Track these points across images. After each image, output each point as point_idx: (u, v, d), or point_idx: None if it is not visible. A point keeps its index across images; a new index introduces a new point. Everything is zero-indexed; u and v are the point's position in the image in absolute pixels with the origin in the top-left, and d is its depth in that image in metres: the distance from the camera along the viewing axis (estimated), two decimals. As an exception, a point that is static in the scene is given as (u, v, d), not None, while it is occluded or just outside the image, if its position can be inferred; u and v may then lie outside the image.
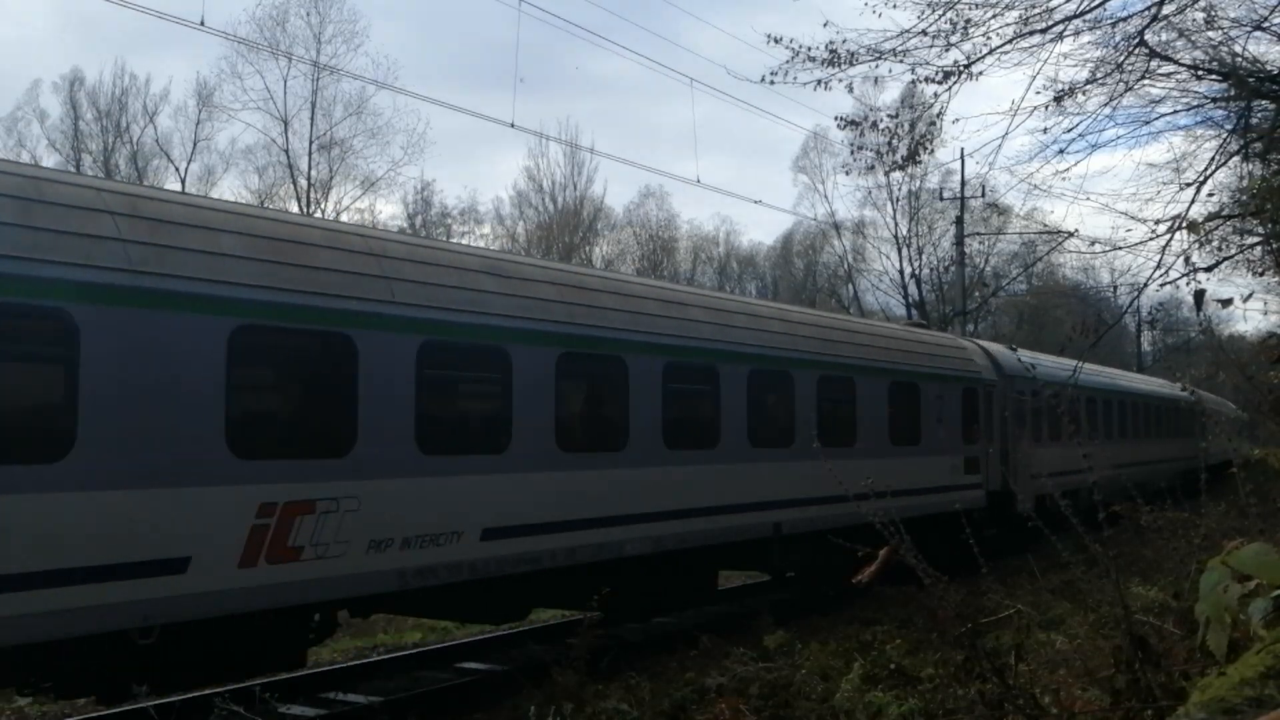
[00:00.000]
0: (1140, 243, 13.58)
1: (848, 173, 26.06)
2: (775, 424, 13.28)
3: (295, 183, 43.30)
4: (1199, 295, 8.15)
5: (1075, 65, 14.71)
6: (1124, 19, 11.73)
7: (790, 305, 21.77)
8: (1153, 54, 12.38)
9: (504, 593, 9.92)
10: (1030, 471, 19.10)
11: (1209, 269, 13.75)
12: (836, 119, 13.39)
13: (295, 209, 39.24)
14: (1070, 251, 25.42)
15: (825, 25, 11.32)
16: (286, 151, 43.40)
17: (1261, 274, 17.74)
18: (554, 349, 10.00)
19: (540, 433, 9.86)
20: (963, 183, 40.46)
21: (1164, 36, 12.58)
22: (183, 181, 44.76)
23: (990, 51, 11.21)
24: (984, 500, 17.67)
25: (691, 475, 11.66)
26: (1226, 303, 8.47)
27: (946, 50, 11.24)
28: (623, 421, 10.99)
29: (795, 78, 11.69)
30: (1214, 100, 14.37)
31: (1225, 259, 15.13)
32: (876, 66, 11.41)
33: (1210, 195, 15.54)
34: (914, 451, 15.94)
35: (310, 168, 43.61)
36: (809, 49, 11.46)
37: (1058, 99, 12.00)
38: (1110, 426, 27.18)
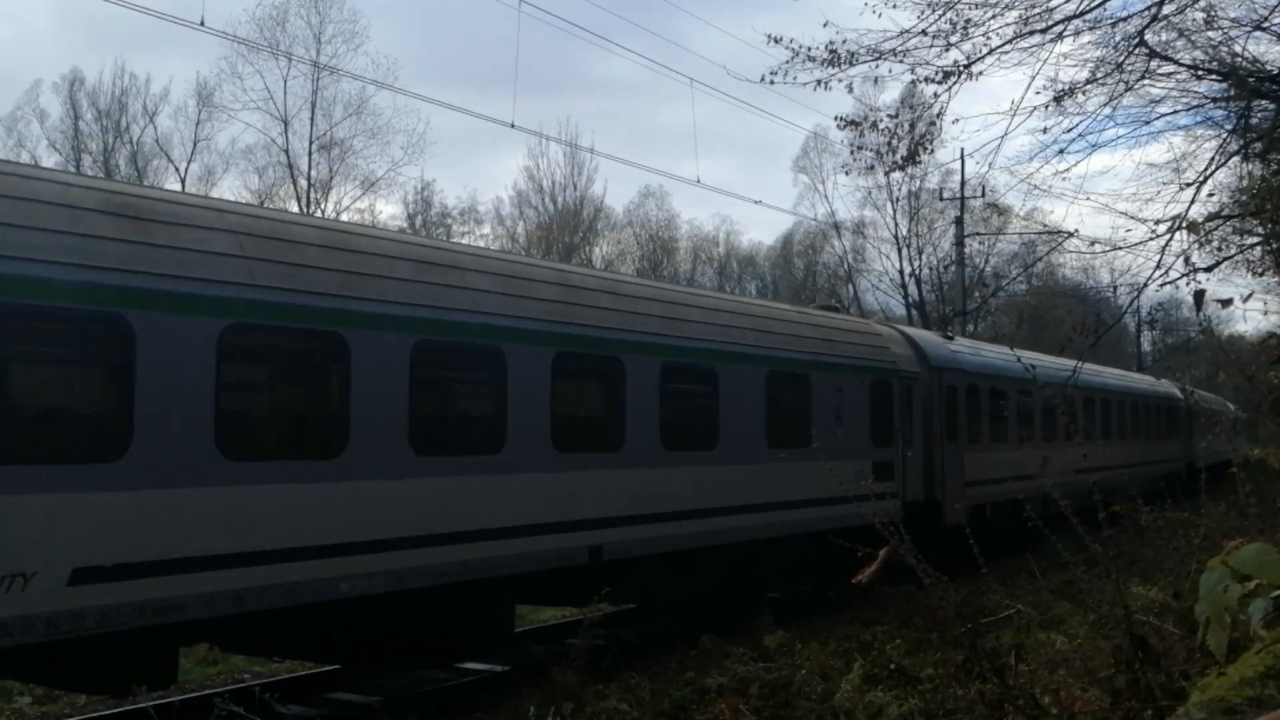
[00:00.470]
0: (1140, 243, 13.58)
1: (848, 173, 26.11)
2: (595, 423, 11.20)
3: (295, 183, 43.29)
4: (1199, 295, 8.15)
5: (1075, 65, 14.70)
6: (1124, 19, 11.74)
7: (626, 274, 17.14)
8: (1153, 54, 12.38)
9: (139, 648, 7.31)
10: (965, 478, 17.23)
11: (1209, 269, 13.76)
12: (836, 119, 13.40)
13: (295, 209, 39.22)
14: (1070, 251, 25.43)
15: (825, 25, 11.34)
16: (286, 152, 43.38)
17: (1261, 274, 17.75)
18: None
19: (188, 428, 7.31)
20: (962, 183, 40.49)
21: (1164, 36, 12.59)
22: (183, 182, 44.73)
23: (990, 51, 11.22)
24: (899, 512, 14.80)
25: (455, 489, 9.11)
26: (1226, 303, 8.47)
27: (946, 50, 11.25)
28: (339, 418, 8.32)
29: (795, 78, 11.70)
30: (1214, 100, 14.38)
31: (1225, 259, 15.14)
32: (876, 67, 11.42)
33: (1210, 195, 15.57)
34: (801, 456, 13.15)
35: (310, 168, 43.60)
36: (809, 49, 11.47)
37: (1058, 99, 12.01)
38: (1073, 425, 25.52)
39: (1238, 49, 13.29)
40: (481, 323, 9.45)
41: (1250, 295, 13.83)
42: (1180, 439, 33.47)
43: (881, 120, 13.00)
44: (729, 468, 12.35)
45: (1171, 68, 13.07)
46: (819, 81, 11.59)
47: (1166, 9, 11.54)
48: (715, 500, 12.07)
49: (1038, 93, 15.56)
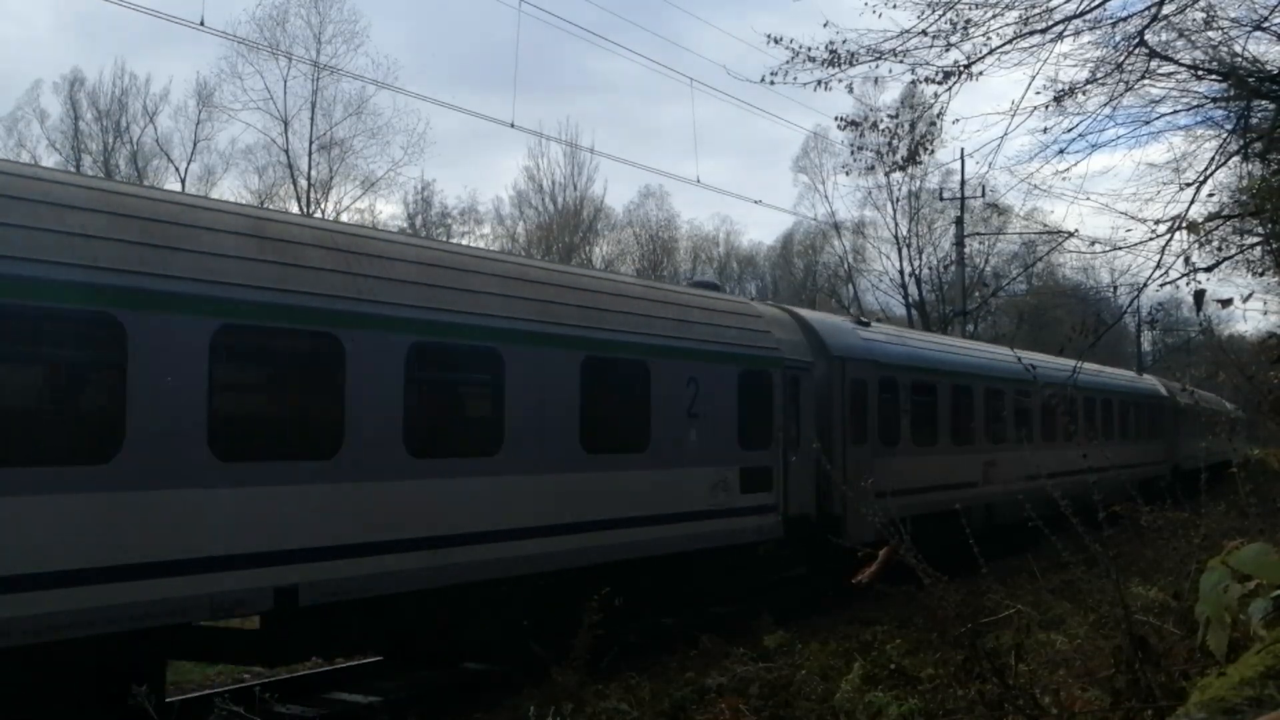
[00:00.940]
0: (1140, 243, 13.56)
1: (848, 173, 26.06)
2: (287, 421, 8.61)
3: (295, 183, 43.33)
4: (1199, 295, 8.15)
5: (1075, 65, 14.69)
6: (1124, 19, 11.74)
7: (355, 226, 12.71)
8: (1153, 54, 12.38)
9: None
10: (876, 488, 14.58)
11: (1209, 269, 13.74)
12: (837, 119, 13.38)
13: (295, 209, 39.23)
14: (1070, 251, 25.40)
15: (825, 26, 11.32)
16: (286, 151, 43.42)
17: (1261, 274, 17.74)
18: None
19: None
20: (962, 183, 40.51)
21: (1164, 36, 12.59)
22: (183, 182, 44.77)
23: (990, 52, 11.21)
24: (780, 529, 13.19)
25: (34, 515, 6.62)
26: (1226, 303, 8.47)
27: (946, 50, 11.24)
28: None
29: (795, 78, 11.68)
30: (1214, 100, 14.38)
31: (1225, 259, 15.12)
32: (876, 67, 11.40)
33: (1210, 195, 15.57)
34: (634, 463, 11.21)
35: (310, 168, 43.64)
36: (809, 49, 11.45)
37: (1058, 99, 12.00)
38: (1027, 426, 21.02)
39: (1238, 49, 13.31)
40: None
41: (1250, 295, 13.84)
42: (1164, 439, 31.41)
43: (882, 120, 12.99)
44: (520, 479, 9.87)
45: (1171, 68, 13.08)
46: (819, 82, 11.59)
47: (1166, 9, 11.54)
48: (499, 520, 9.63)
49: (1038, 93, 15.55)
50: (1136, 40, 11.81)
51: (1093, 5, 11.12)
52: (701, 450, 12.04)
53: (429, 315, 9.20)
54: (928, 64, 11.39)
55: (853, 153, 13.53)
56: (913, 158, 13.07)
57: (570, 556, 10.38)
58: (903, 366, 16.63)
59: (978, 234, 45.77)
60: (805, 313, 16.11)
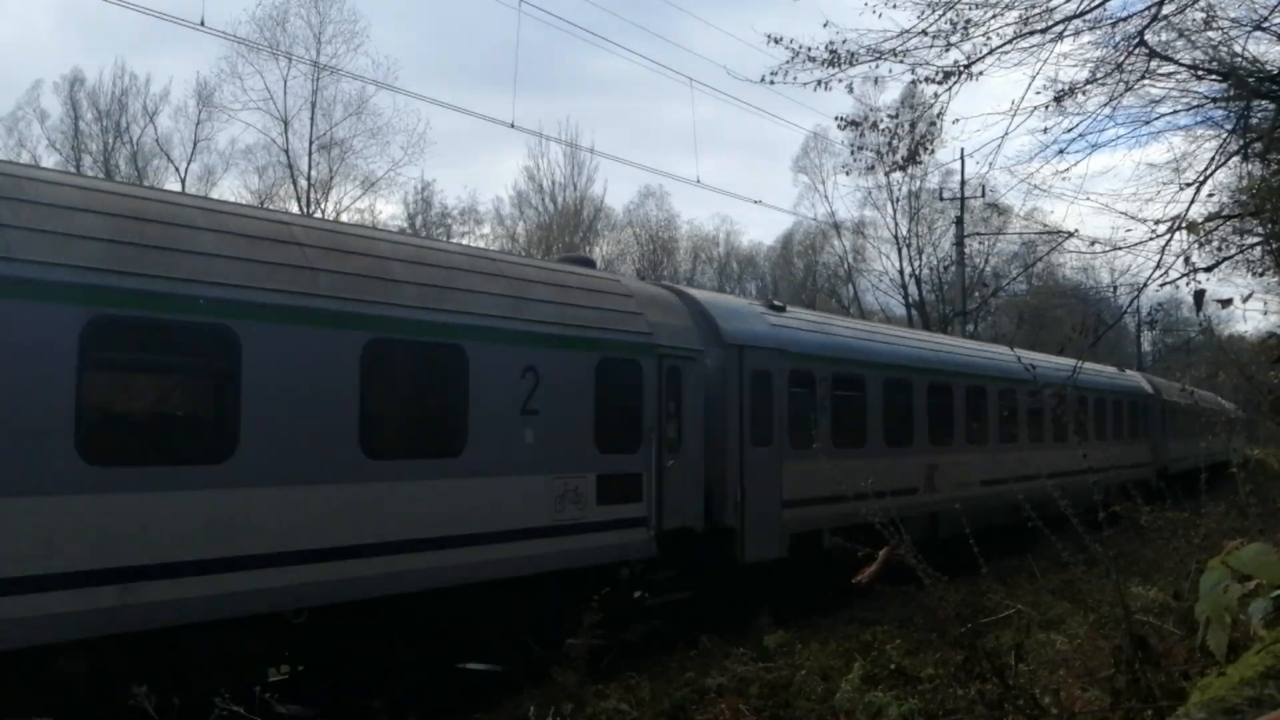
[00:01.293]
0: (1140, 243, 13.56)
1: (848, 173, 26.07)
2: None
3: (295, 183, 43.37)
4: (1199, 295, 8.13)
5: (1075, 65, 14.69)
6: (1124, 19, 11.74)
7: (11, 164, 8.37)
8: (1153, 54, 12.39)
9: None
10: (784, 496, 13.30)
11: (1209, 269, 13.76)
12: (837, 119, 13.37)
13: (296, 209, 39.23)
14: (1070, 251, 25.35)
15: (825, 25, 11.31)
16: (287, 152, 43.45)
17: (1261, 274, 17.74)
18: None
19: None
20: (962, 183, 40.57)
21: (1164, 36, 12.60)
22: (183, 182, 44.79)
23: (990, 52, 11.20)
24: (652, 546, 11.29)
25: None
26: (1226, 303, 8.45)
27: (946, 50, 11.24)
28: None
29: (795, 78, 11.67)
30: (1214, 100, 14.39)
31: (1225, 259, 15.14)
32: (876, 67, 11.40)
33: (1210, 195, 15.56)
34: (442, 470, 9.19)
35: (310, 168, 43.68)
36: (809, 49, 11.45)
37: (1058, 99, 12.00)
38: (981, 426, 19.20)
39: (1237, 49, 13.32)
40: None
41: (1250, 295, 13.84)
42: (1149, 439, 29.26)
43: (882, 120, 12.98)
44: (262, 491, 7.89)
45: (1171, 68, 13.08)
46: (819, 82, 11.58)
47: (1166, 9, 11.55)
48: (226, 545, 7.64)
49: (1038, 93, 15.49)
50: (1136, 40, 11.82)
51: (1093, 5, 11.13)
52: (542, 454, 10.03)
53: (114, 280, 7.17)
54: (928, 64, 11.40)
55: (853, 153, 13.52)
56: (913, 158, 13.06)
57: (338, 589, 8.36)
58: (821, 357, 14.70)
59: (978, 234, 45.80)
60: (698, 293, 14.12)
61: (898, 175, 26.48)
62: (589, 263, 14.51)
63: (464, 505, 9.35)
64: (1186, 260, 12.66)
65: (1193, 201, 13.42)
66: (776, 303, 15.94)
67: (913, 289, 54.84)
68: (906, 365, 17.02)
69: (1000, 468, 18.57)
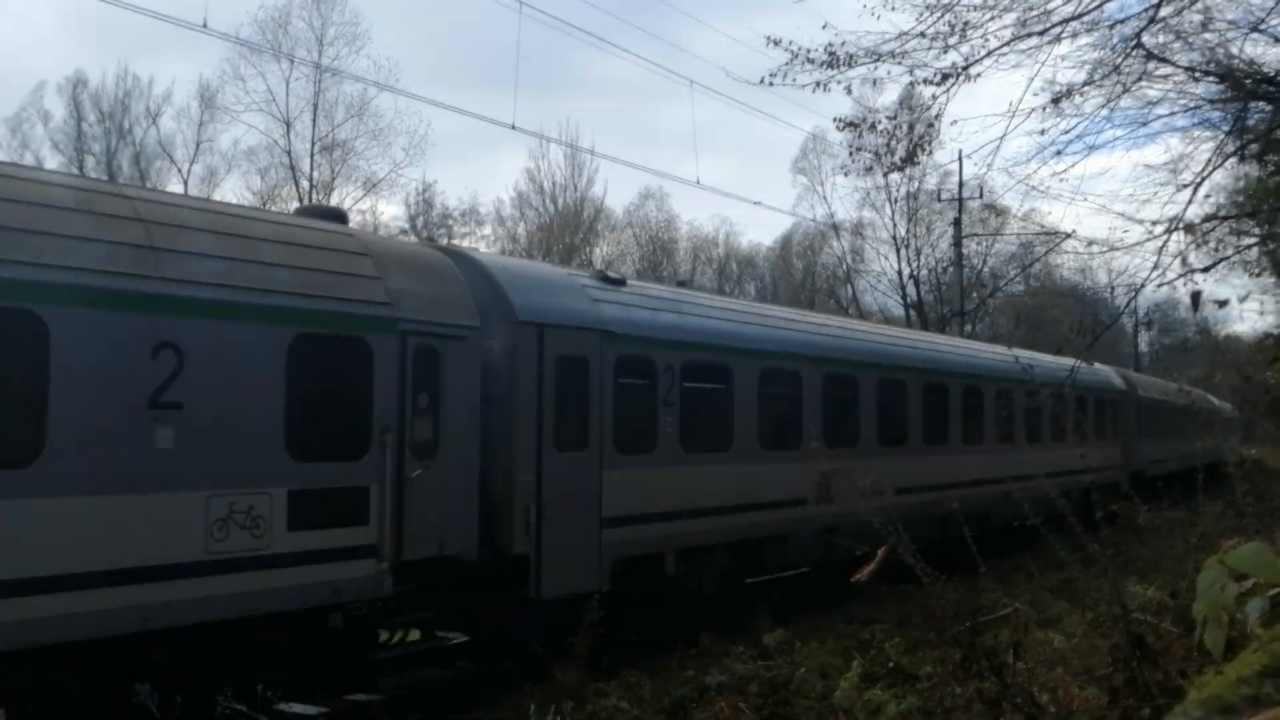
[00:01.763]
0: (1137, 244, 13.57)
1: (846, 174, 26.15)
2: None
3: (298, 184, 43.37)
4: (1196, 296, 8.20)
5: (1073, 67, 14.71)
6: (1121, 21, 11.76)
7: None
8: (1150, 56, 12.42)
9: None
10: (604, 513, 10.96)
11: (1206, 270, 13.77)
12: (835, 121, 13.36)
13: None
14: (1068, 252, 25.44)
15: (824, 28, 11.34)
16: (289, 153, 43.50)
17: (1258, 275, 17.82)
18: None
19: None
20: (961, 184, 40.61)
21: (1161, 39, 12.62)
22: (185, 183, 44.81)
23: (988, 54, 11.23)
24: (386, 581, 8.92)
25: None
26: (1223, 303, 8.54)
27: (944, 52, 11.26)
28: None
29: (794, 80, 11.69)
30: (1211, 102, 14.41)
31: (1222, 260, 15.15)
32: (875, 69, 11.41)
33: (1207, 196, 15.59)
34: (6, 487, 6.69)
35: (312, 169, 43.69)
36: (808, 51, 11.47)
37: (1055, 101, 12.03)
38: (900, 425, 16.50)
39: (1234, 51, 13.35)
40: None
41: (1247, 296, 13.93)
42: (1120, 440, 26.39)
43: (880, 122, 12.99)
44: None
45: (1169, 70, 13.10)
46: (818, 83, 11.60)
47: (1164, 11, 11.57)
48: None
49: (1035, 94, 15.59)
50: (1134, 42, 11.85)
51: (1090, 7, 11.15)
52: (188, 463, 7.56)
53: None
54: (926, 66, 11.42)
55: (851, 154, 13.54)
56: (911, 159, 13.08)
57: None
58: (667, 342, 12.11)
59: (976, 235, 45.86)
60: (485, 257, 11.63)
61: (896, 176, 26.56)
62: (337, 216, 10.59)
63: (34, 539, 6.75)
64: (1184, 261, 12.71)
65: (1190, 202, 13.44)
66: (613, 274, 13.00)
67: (911, 290, 54.89)
68: (792, 353, 14.31)
69: (922, 473, 15.95)
